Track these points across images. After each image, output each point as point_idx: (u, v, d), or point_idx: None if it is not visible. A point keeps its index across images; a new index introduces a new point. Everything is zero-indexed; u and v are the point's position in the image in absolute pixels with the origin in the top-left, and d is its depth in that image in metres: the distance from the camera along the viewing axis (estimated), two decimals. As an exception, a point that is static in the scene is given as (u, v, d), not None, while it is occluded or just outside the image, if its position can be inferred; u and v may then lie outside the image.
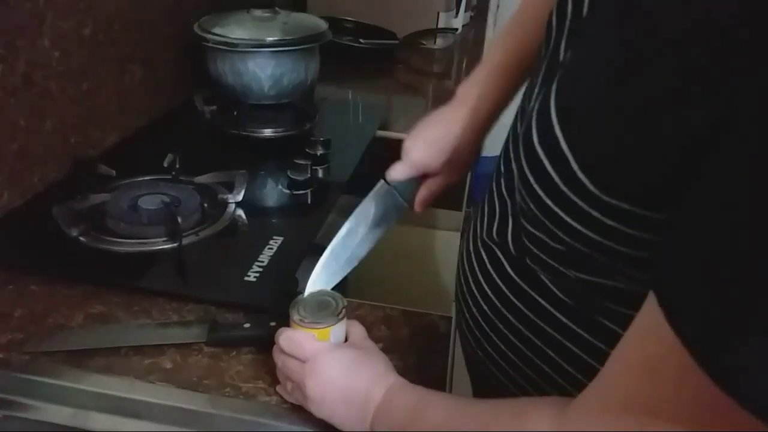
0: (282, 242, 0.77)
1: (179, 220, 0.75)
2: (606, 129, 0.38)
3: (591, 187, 0.38)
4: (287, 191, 0.91)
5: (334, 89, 1.35)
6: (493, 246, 0.55)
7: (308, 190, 0.90)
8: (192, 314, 0.67)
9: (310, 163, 0.93)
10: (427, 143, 0.67)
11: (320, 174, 0.96)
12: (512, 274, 0.52)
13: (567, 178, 0.39)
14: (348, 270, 0.63)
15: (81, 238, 0.75)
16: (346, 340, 0.57)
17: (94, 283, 0.70)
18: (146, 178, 0.88)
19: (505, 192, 0.54)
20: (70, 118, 0.91)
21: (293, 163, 0.92)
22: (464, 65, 1.71)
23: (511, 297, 0.52)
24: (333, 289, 0.61)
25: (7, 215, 0.80)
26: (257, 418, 0.57)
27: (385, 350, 0.58)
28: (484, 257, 0.56)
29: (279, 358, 0.56)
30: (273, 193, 0.93)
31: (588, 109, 0.39)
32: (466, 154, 0.69)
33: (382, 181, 0.68)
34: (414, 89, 1.55)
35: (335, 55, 1.22)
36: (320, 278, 0.61)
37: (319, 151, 0.97)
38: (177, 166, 0.89)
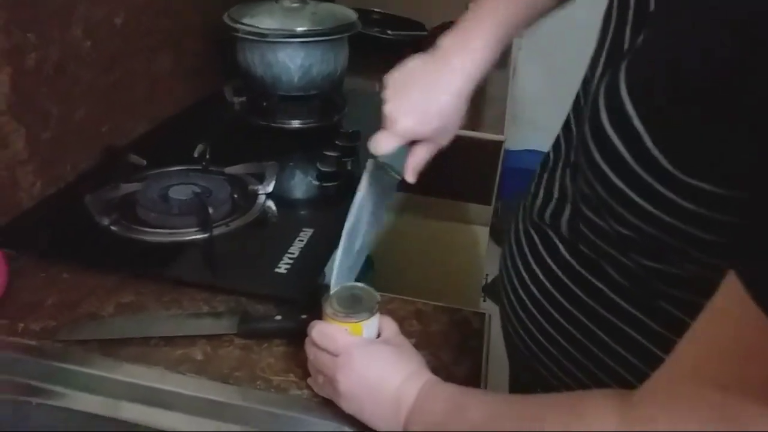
0: (312, 234, 0.77)
1: (210, 210, 0.75)
2: (681, 115, 0.36)
3: (667, 164, 0.36)
4: (316, 183, 0.91)
5: (362, 81, 1.33)
6: (546, 228, 0.53)
7: (337, 182, 0.89)
8: (223, 305, 0.67)
9: (339, 154, 0.92)
10: (413, 110, 0.62)
11: (349, 166, 0.94)
12: (566, 255, 0.50)
13: (639, 156, 0.38)
14: (363, 259, 0.62)
15: (112, 227, 0.75)
16: (378, 335, 0.56)
17: (125, 273, 0.70)
18: (177, 168, 0.88)
19: (567, 178, 0.52)
20: (102, 107, 0.91)
21: (322, 155, 0.92)
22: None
23: (564, 278, 0.50)
24: (356, 280, 0.60)
25: (39, 204, 0.81)
26: (288, 411, 0.56)
27: (417, 346, 0.57)
28: (536, 239, 0.54)
29: (311, 351, 0.55)
30: (302, 184, 0.93)
31: (662, 93, 0.37)
32: (455, 117, 0.64)
33: (371, 160, 0.64)
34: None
35: (363, 47, 1.20)
36: (340, 276, 0.59)
37: (348, 143, 0.97)
38: (207, 156, 0.89)
